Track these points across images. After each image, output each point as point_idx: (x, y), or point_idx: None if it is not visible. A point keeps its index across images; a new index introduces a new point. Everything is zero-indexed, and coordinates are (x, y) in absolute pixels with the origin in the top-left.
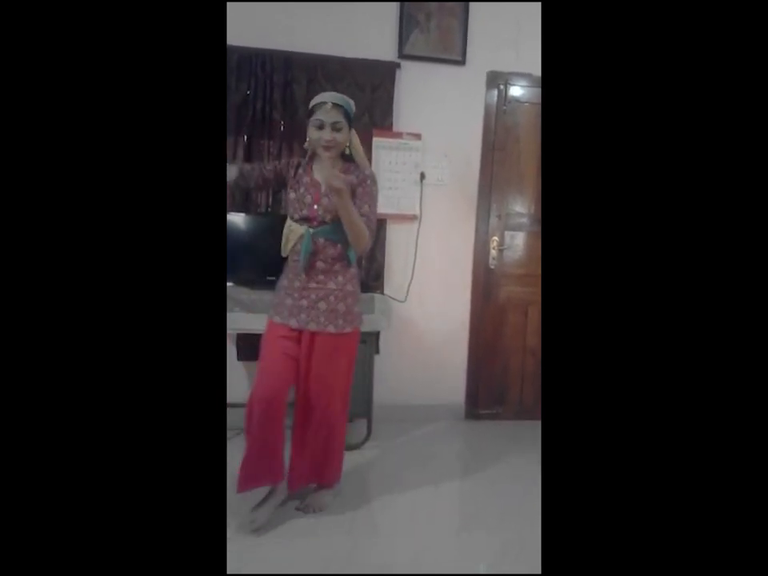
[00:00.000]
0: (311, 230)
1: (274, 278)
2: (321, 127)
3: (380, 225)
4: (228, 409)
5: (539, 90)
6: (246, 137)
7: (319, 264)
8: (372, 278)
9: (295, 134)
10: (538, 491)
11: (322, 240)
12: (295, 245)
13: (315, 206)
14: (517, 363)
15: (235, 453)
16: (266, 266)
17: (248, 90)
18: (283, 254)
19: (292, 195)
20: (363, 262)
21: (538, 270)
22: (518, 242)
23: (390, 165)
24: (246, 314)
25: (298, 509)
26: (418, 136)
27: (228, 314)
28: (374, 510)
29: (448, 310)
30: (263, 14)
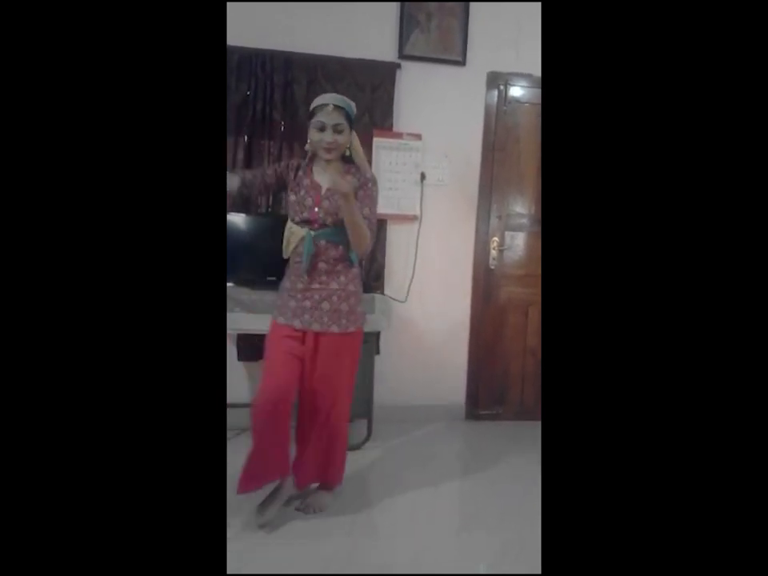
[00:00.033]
0: (312, 233)
1: (274, 279)
2: (322, 129)
3: (380, 225)
4: (228, 409)
5: (539, 90)
6: (246, 137)
7: (321, 265)
8: (372, 278)
9: (295, 134)
10: (538, 491)
11: (323, 242)
12: (296, 247)
13: (316, 209)
14: (517, 364)
15: (235, 453)
16: (266, 267)
17: (248, 90)
18: (285, 256)
19: (292, 198)
20: (363, 262)
21: (538, 270)
22: (519, 243)
23: (391, 165)
24: (246, 314)
25: (297, 509)
26: (418, 136)
27: (228, 315)
28: (374, 510)
29: (448, 311)
30: (263, 14)
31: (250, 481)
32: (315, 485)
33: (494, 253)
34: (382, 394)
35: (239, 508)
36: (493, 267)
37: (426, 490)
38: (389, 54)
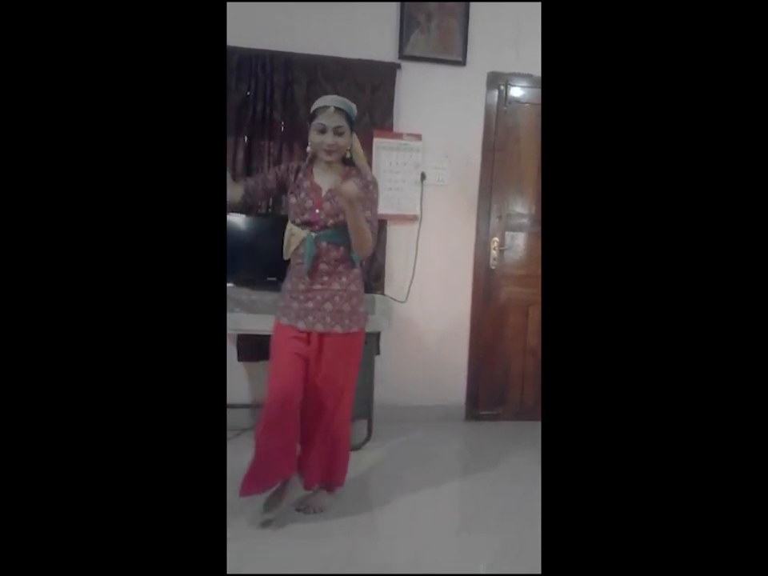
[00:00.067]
0: (313, 234)
1: (274, 279)
2: (323, 131)
3: (380, 225)
4: (228, 409)
5: (539, 90)
6: (246, 137)
7: (323, 266)
8: (372, 278)
9: (295, 134)
10: (538, 491)
11: (324, 243)
12: (297, 248)
13: (317, 210)
14: (517, 364)
15: (235, 453)
16: (266, 267)
17: (248, 90)
18: (285, 257)
19: (293, 200)
20: (364, 262)
21: (538, 270)
22: (519, 243)
23: (391, 165)
24: (246, 314)
25: (298, 509)
26: (418, 136)
27: (228, 315)
28: (374, 511)
29: (448, 311)
30: (263, 14)
31: (253, 483)
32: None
33: (494, 253)
34: (381, 394)
35: (240, 508)
36: (493, 267)
37: (426, 491)
38: (389, 55)
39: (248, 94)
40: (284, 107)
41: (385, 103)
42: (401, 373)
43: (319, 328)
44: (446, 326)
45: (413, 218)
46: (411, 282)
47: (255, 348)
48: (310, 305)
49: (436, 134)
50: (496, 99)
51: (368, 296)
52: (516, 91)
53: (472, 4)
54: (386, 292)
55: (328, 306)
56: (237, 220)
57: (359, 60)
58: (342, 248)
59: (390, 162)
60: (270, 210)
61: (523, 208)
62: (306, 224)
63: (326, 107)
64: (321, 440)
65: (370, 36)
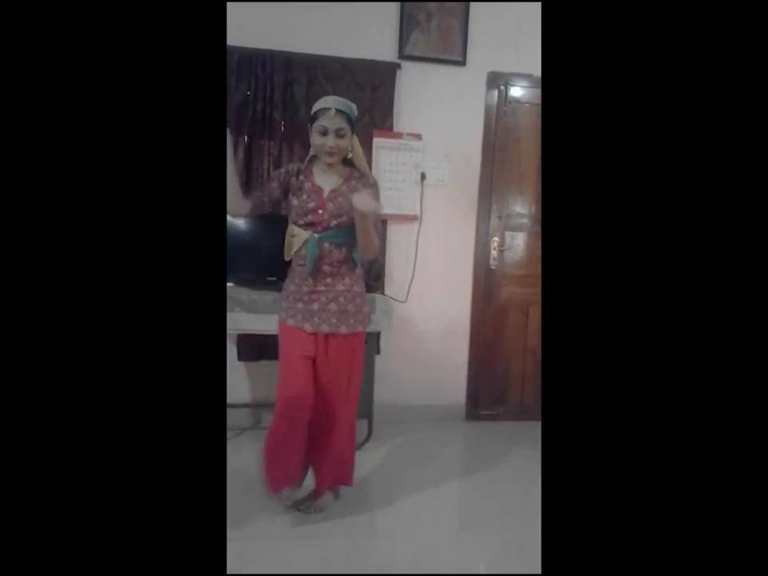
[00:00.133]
0: (316, 235)
1: (274, 279)
2: (324, 133)
3: (381, 225)
4: (228, 409)
5: (539, 90)
6: (246, 137)
7: (326, 268)
8: (372, 278)
9: (295, 134)
10: (538, 491)
11: (326, 244)
12: (299, 249)
13: (320, 211)
14: (517, 364)
15: (235, 453)
16: (266, 267)
17: (248, 90)
18: (286, 258)
19: (295, 201)
20: (364, 262)
21: (538, 270)
22: (519, 243)
23: (391, 165)
24: (246, 314)
25: (298, 509)
26: (418, 136)
27: (228, 315)
28: (375, 511)
29: (448, 311)
30: (263, 14)
31: (281, 480)
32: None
33: (494, 253)
34: (382, 393)
35: (240, 508)
36: (493, 267)
37: (427, 491)
38: (389, 54)
39: (248, 93)
40: (284, 107)
41: (385, 103)
42: (401, 373)
43: (325, 329)
44: (446, 325)
45: (413, 218)
46: (411, 282)
47: (255, 348)
48: (315, 306)
49: (436, 134)
50: (496, 99)
51: (368, 296)
52: (516, 91)
53: (472, 4)
54: (386, 292)
55: (333, 306)
56: (237, 220)
57: (359, 60)
58: (344, 249)
59: (389, 161)
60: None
61: (523, 208)
62: (308, 225)
63: (327, 109)
64: (330, 442)
65: (369, 36)
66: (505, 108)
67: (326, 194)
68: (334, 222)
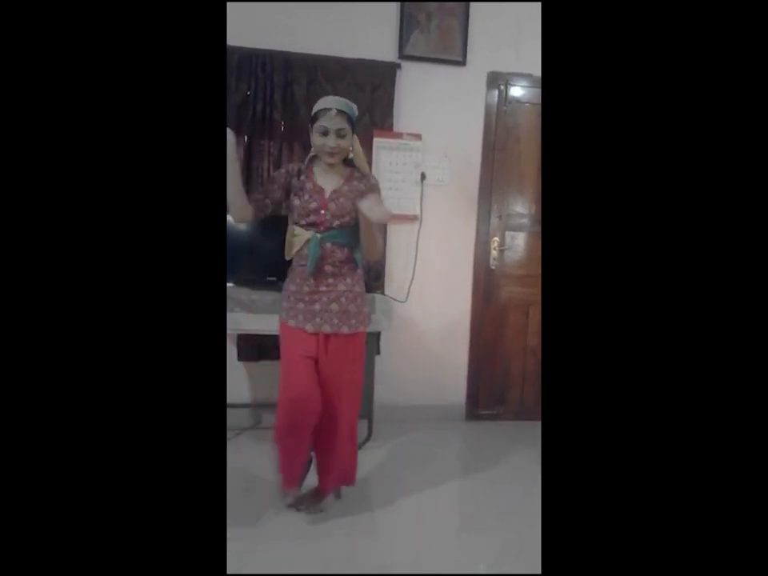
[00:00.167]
0: (318, 235)
1: (274, 279)
2: (325, 134)
3: (381, 225)
4: (228, 409)
5: (539, 90)
6: (246, 137)
7: (327, 268)
8: (372, 278)
9: (295, 134)
10: (538, 491)
11: (328, 244)
12: (300, 249)
13: (323, 212)
14: (517, 364)
15: (235, 453)
16: (266, 267)
17: (248, 90)
18: (287, 258)
19: (296, 202)
20: (364, 262)
21: (538, 270)
22: (519, 243)
23: (391, 165)
24: (246, 314)
25: (299, 509)
26: (418, 136)
27: (228, 315)
28: (375, 510)
29: (448, 311)
30: (263, 14)
31: (294, 479)
32: (315, 484)
33: (494, 253)
34: (382, 393)
35: (240, 508)
36: (493, 267)
37: (426, 490)
38: (389, 54)
39: (248, 93)
40: (284, 107)
41: (385, 103)
42: (401, 373)
43: (327, 329)
44: (446, 325)
45: (413, 218)
46: (411, 282)
47: (255, 348)
48: (317, 306)
49: (436, 134)
50: (496, 99)
51: (368, 296)
52: (516, 91)
53: (472, 4)
54: (386, 292)
55: (334, 306)
56: None
57: (359, 60)
58: (346, 249)
59: (389, 161)
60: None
61: (523, 208)
62: (310, 225)
63: (328, 109)
64: (334, 444)
65: (369, 36)
66: (505, 108)
67: (327, 195)
68: (336, 223)
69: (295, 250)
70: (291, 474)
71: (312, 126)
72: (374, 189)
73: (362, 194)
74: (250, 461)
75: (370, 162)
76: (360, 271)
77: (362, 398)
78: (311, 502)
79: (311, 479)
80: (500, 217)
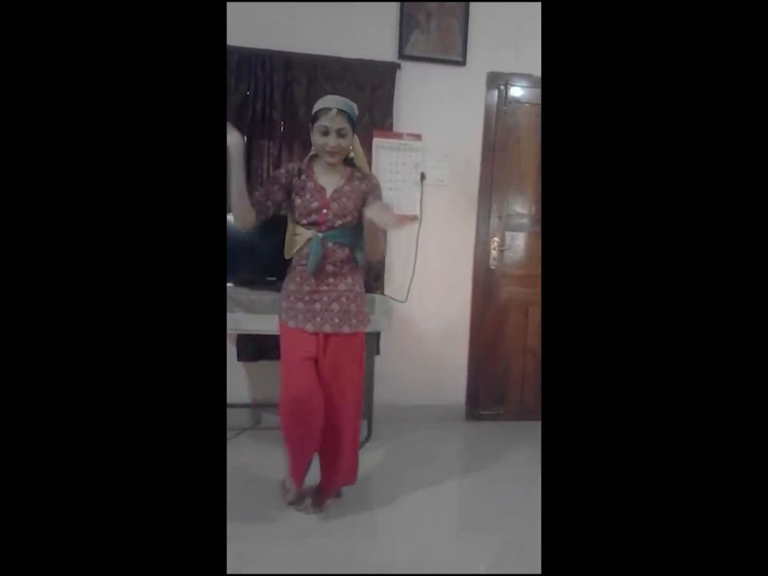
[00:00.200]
0: (320, 235)
1: (274, 279)
2: (326, 133)
3: None
4: (228, 409)
5: (539, 90)
6: (245, 137)
7: (328, 267)
8: (372, 278)
9: (295, 134)
10: (538, 491)
11: (330, 244)
12: (301, 249)
13: (325, 211)
14: (517, 364)
15: (235, 453)
16: (266, 267)
17: (248, 90)
18: (287, 257)
19: (298, 201)
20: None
21: (538, 270)
22: (519, 243)
23: (391, 165)
24: (245, 314)
25: (298, 509)
26: (418, 136)
27: (228, 315)
28: (375, 510)
29: (448, 311)
30: (263, 14)
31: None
32: (315, 484)
33: (494, 253)
34: (382, 393)
35: (240, 508)
36: (493, 267)
37: (427, 490)
38: (389, 54)
39: (248, 93)
40: (284, 107)
41: (385, 103)
42: (401, 373)
43: (327, 329)
44: (446, 325)
45: (413, 218)
46: (411, 282)
47: (255, 348)
48: (317, 306)
49: (436, 134)
50: (496, 99)
51: (368, 296)
52: (516, 91)
53: (472, 4)
54: (385, 292)
55: (335, 306)
56: None
57: (359, 60)
58: (347, 249)
59: (389, 161)
60: None
61: (523, 208)
62: (311, 224)
63: (328, 109)
64: (337, 445)
65: (370, 36)
66: (505, 108)
67: (328, 194)
68: (338, 222)
69: (296, 248)
70: (302, 474)
71: (312, 125)
72: (375, 189)
73: (363, 194)
74: (250, 461)
75: (369, 162)
76: (361, 271)
77: (363, 397)
78: (311, 502)
79: (310, 478)
80: (500, 217)
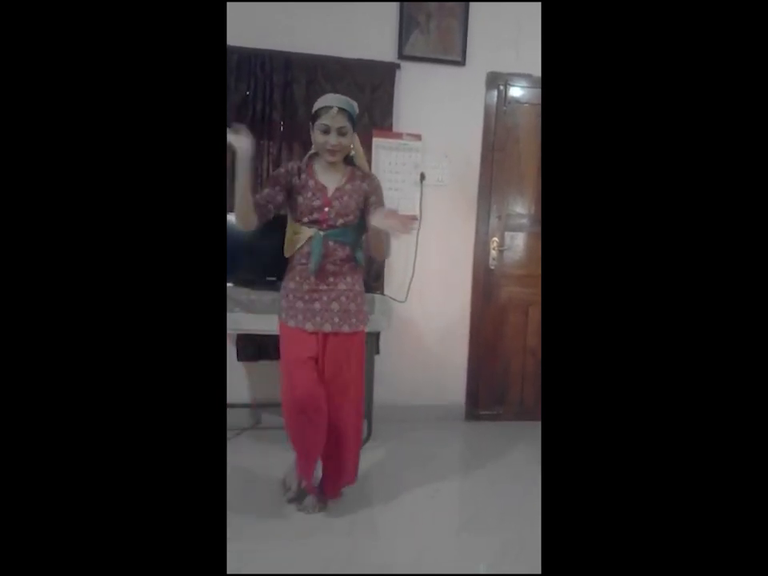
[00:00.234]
0: (322, 233)
1: (274, 278)
2: (326, 132)
3: None
4: (228, 409)
5: (539, 90)
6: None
7: (329, 266)
8: (372, 278)
9: (295, 134)
10: (538, 491)
11: (331, 242)
12: (301, 247)
13: (327, 209)
14: (517, 364)
15: (235, 453)
16: (266, 267)
17: (248, 90)
18: (287, 255)
19: (299, 199)
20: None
21: (538, 270)
22: (518, 243)
23: (390, 165)
24: (245, 314)
25: (298, 509)
26: (417, 136)
27: (228, 315)
28: (375, 510)
29: (448, 311)
30: (263, 14)
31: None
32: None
33: (493, 253)
34: (382, 393)
35: (240, 508)
36: (493, 267)
37: (427, 490)
38: (388, 55)
39: (247, 93)
40: (283, 107)
41: (384, 103)
42: (401, 373)
43: (327, 328)
44: (446, 325)
45: (412, 218)
46: (411, 282)
47: (255, 348)
48: (317, 305)
49: (436, 134)
50: (495, 99)
51: (368, 296)
52: (515, 91)
53: (472, 4)
54: (385, 292)
55: (335, 305)
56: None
57: (359, 60)
58: (348, 247)
59: (389, 161)
60: None
61: (523, 208)
62: (313, 223)
63: (329, 107)
64: (339, 445)
65: (369, 36)
66: (504, 108)
67: (330, 192)
68: (340, 221)
69: (297, 247)
70: (311, 470)
71: (313, 124)
72: (377, 190)
73: (365, 194)
74: (249, 461)
75: (369, 162)
76: (361, 271)
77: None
78: (312, 501)
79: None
80: (499, 217)
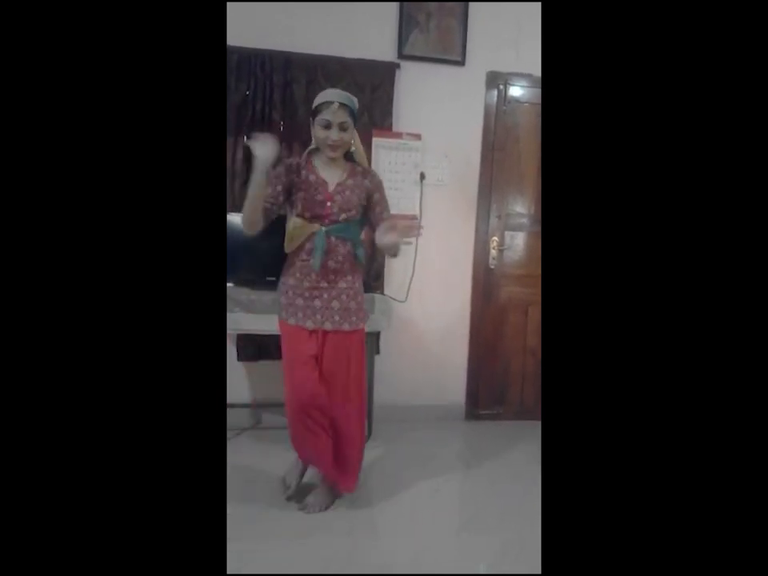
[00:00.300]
0: (324, 228)
1: (273, 278)
2: (327, 127)
3: None
4: (228, 409)
5: (539, 90)
6: (245, 137)
7: (330, 263)
8: (372, 277)
9: (295, 134)
10: (538, 491)
11: (333, 239)
12: (302, 243)
13: (329, 204)
14: (517, 363)
15: (235, 453)
16: (266, 266)
17: (248, 90)
18: (287, 251)
19: (301, 194)
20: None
21: (538, 270)
22: (518, 243)
23: (390, 165)
24: (245, 314)
25: (298, 509)
26: (417, 136)
27: (228, 315)
28: (375, 510)
29: (448, 310)
30: (263, 13)
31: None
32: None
33: (493, 252)
34: (381, 393)
35: (240, 508)
36: (492, 267)
37: (426, 490)
38: (388, 54)
39: (247, 93)
40: (283, 107)
41: (384, 103)
42: (401, 373)
43: (328, 326)
44: (446, 325)
45: (412, 218)
46: (411, 282)
47: (255, 348)
48: (317, 303)
49: (435, 134)
50: (495, 99)
51: (368, 295)
52: (515, 91)
53: (472, 4)
54: (385, 292)
55: (335, 303)
56: (237, 220)
57: (359, 60)
58: (349, 244)
59: (389, 161)
60: None
61: (523, 208)
62: (315, 218)
63: (330, 102)
64: (342, 443)
65: (369, 36)
66: (504, 108)
67: (331, 188)
68: (342, 216)
69: (297, 242)
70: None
71: (313, 119)
72: (379, 187)
73: (367, 190)
74: (249, 461)
75: (369, 161)
76: (360, 268)
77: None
78: (310, 500)
79: (310, 477)
80: (499, 217)
